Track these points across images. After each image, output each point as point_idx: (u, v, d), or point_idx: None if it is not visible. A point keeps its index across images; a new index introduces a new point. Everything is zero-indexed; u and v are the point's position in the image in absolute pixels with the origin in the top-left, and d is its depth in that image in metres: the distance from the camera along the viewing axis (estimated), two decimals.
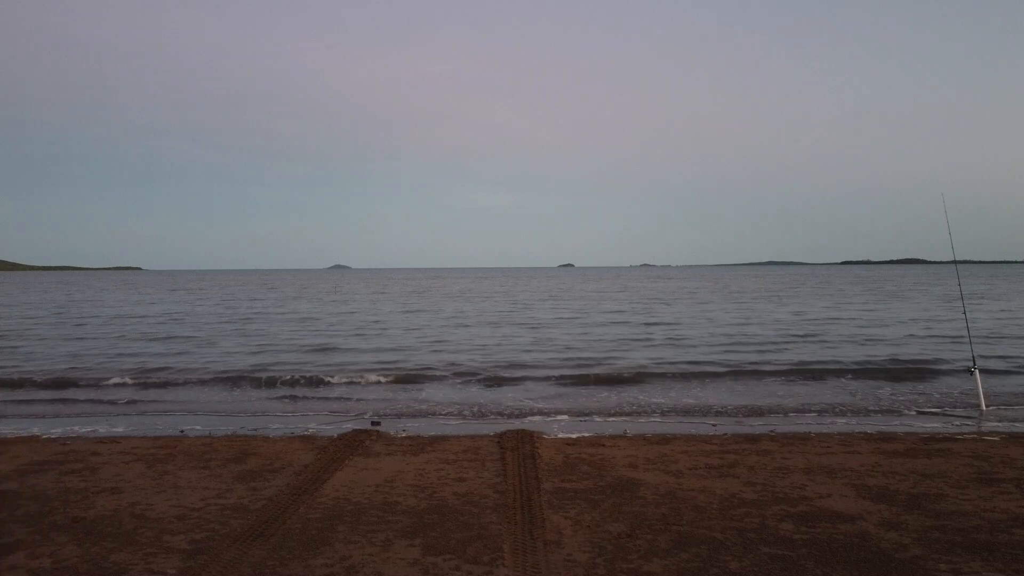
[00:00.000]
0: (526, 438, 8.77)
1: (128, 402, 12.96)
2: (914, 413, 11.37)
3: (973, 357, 11.64)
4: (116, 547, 5.20)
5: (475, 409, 11.98)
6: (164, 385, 14.84)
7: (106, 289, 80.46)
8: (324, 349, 20.86)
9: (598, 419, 10.95)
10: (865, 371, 15.69)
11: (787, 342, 21.45)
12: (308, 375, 15.84)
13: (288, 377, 15.40)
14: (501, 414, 11.52)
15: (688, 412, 11.50)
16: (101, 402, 12.96)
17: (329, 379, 15.31)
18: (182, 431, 10.11)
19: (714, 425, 10.41)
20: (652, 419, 10.98)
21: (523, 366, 17.03)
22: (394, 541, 5.28)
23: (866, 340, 21.71)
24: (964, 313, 13.04)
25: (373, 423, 10.50)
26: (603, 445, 8.59)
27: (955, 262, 12.77)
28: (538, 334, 24.88)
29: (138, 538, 5.37)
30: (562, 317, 32.99)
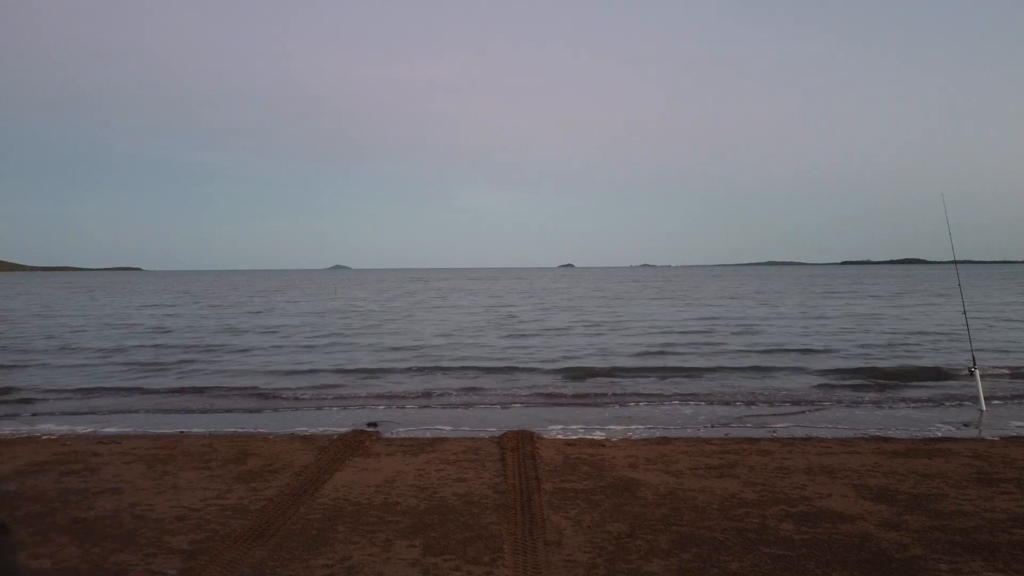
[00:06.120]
0: (526, 438, 8.77)
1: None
2: (914, 413, 11.36)
3: (973, 357, 11.64)
4: (116, 548, 5.19)
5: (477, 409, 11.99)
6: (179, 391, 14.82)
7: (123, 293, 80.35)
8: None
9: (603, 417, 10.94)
10: (866, 370, 15.68)
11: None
12: (311, 376, 15.85)
13: (293, 387, 15.37)
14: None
15: None
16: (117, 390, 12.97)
17: (333, 382, 15.32)
18: (181, 432, 10.10)
19: (711, 426, 10.41)
20: None
21: None
22: (394, 541, 5.28)
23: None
24: (964, 313, 13.04)
25: (369, 424, 10.46)
26: (603, 445, 8.59)
27: (955, 262, 12.78)
28: None
29: (138, 539, 5.37)
30: None
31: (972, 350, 12.03)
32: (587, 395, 13.31)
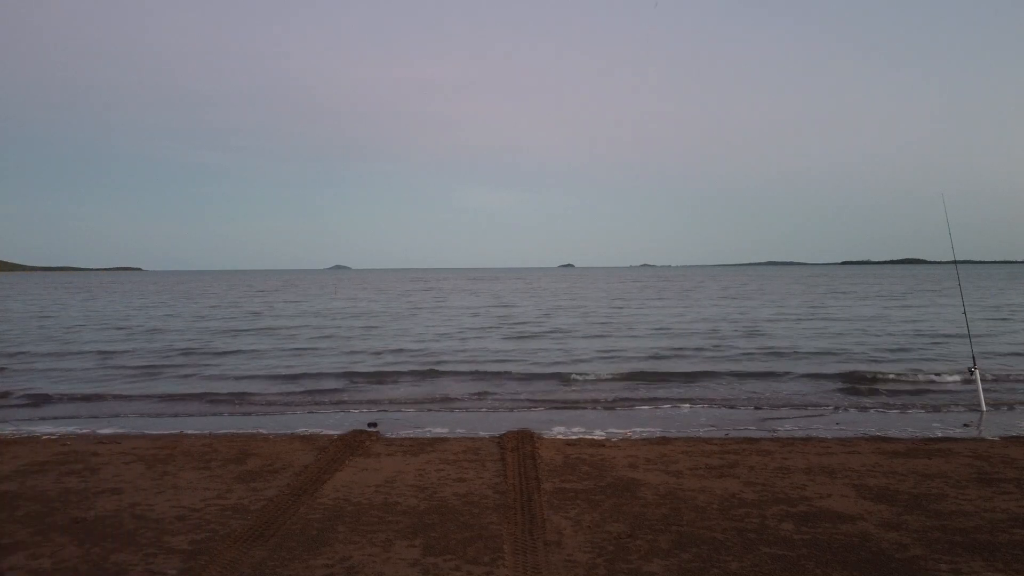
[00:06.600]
0: (526, 438, 8.77)
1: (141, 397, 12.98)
2: (914, 413, 11.36)
3: (973, 357, 11.64)
4: (116, 548, 5.19)
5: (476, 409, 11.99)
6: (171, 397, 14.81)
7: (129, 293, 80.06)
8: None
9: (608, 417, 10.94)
10: (866, 370, 15.68)
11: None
12: (311, 377, 15.86)
13: (293, 387, 15.36)
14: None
15: None
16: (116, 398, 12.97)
17: (333, 382, 15.33)
18: (181, 432, 10.10)
19: (712, 427, 10.41)
20: None
21: None
22: (394, 541, 5.28)
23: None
24: (964, 313, 13.03)
25: (369, 424, 10.45)
26: (603, 445, 8.59)
27: (955, 262, 12.77)
28: None
29: (138, 539, 5.37)
30: None
31: (972, 350, 12.02)
32: (588, 396, 13.30)
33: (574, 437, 9.24)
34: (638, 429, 10.00)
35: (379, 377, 15.75)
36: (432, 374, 16.09)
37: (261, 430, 10.19)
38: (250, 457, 8.00)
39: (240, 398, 13.34)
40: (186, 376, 16.13)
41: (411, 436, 9.44)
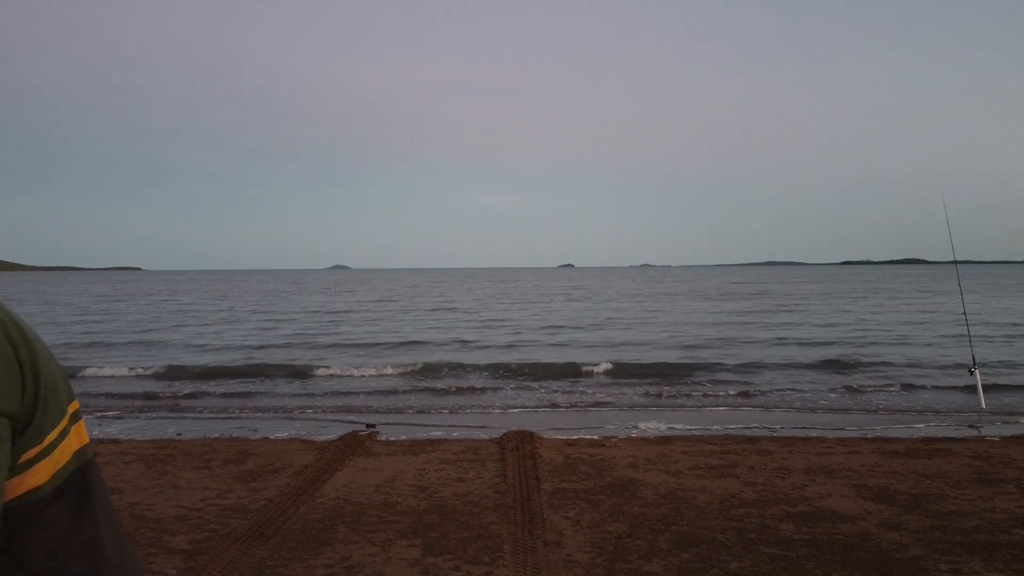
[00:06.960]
0: (526, 438, 8.76)
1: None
2: (914, 413, 11.37)
3: (973, 357, 11.63)
4: None
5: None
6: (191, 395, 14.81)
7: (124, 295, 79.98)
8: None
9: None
10: (866, 370, 15.68)
11: None
12: (311, 377, 15.86)
13: (293, 387, 15.36)
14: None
15: None
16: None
17: (333, 382, 15.32)
18: (179, 434, 10.11)
19: (712, 426, 10.41)
20: None
21: None
22: (394, 541, 5.27)
23: None
24: (964, 313, 13.02)
25: (369, 425, 10.43)
26: (603, 445, 8.59)
27: (955, 262, 12.76)
28: None
29: (138, 538, 5.36)
30: None
31: (972, 351, 12.02)
32: (589, 397, 13.30)
33: (574, 437, 9.24)
34: (639, 427, 10.00)
35: (378, 376, 15.75)
36: (432, 373, 16.09)
37: (261, 430, 10.20)
38: (250, 457, 8.00)
39: (237, 396, 13.34)
40: (181, 376, 16.12)
41: (411, 436, 9.44)
